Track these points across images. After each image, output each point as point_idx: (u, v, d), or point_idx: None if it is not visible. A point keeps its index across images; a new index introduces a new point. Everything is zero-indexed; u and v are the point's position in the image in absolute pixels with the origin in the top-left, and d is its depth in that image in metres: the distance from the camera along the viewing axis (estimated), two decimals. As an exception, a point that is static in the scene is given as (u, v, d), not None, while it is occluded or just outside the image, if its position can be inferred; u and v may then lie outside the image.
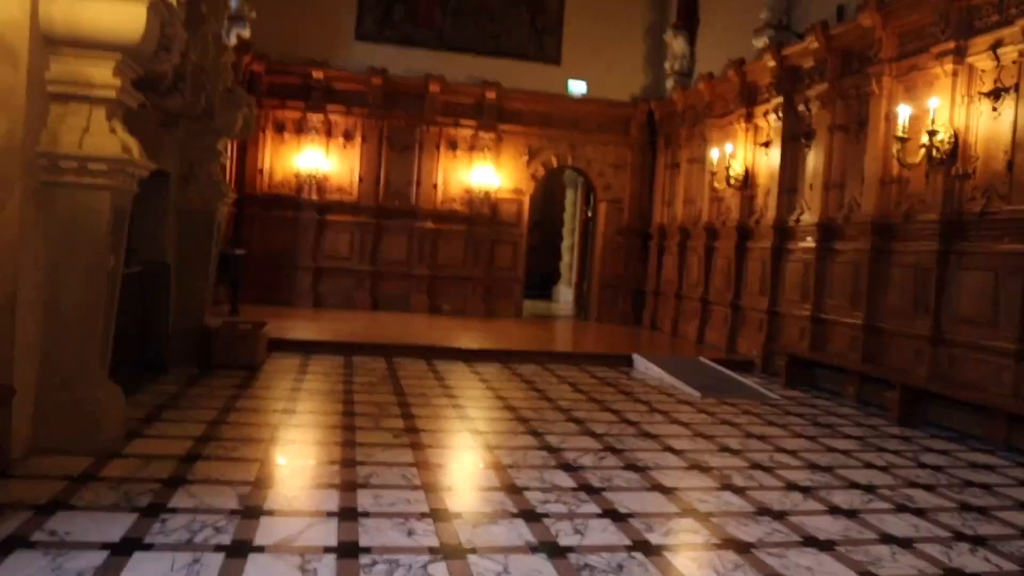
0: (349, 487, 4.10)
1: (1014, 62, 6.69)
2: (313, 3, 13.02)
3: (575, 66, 13.95)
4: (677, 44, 13.03)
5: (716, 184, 10.95)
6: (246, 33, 11.68)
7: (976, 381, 6.70)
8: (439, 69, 13.27)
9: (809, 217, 9.21)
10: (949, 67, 7.22)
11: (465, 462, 5.10)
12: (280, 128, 12.95)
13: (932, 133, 7.14)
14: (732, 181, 10.70)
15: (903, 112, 7.39)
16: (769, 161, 10.25)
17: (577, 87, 13.94)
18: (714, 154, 11.05)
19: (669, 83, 13.34)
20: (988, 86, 6.94)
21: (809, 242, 9.10)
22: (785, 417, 7.03)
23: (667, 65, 13.41)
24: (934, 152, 7.17)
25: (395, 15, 13.40)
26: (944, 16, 7.31)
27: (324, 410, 6.06)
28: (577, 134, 13.89)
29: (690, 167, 12.55)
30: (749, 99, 10.76)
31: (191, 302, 7.51)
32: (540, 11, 13.87)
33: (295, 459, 4.78)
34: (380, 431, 5.43)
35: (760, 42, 10.29)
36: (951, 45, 7.20)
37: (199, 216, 7.56)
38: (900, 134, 7.37)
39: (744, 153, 10.75)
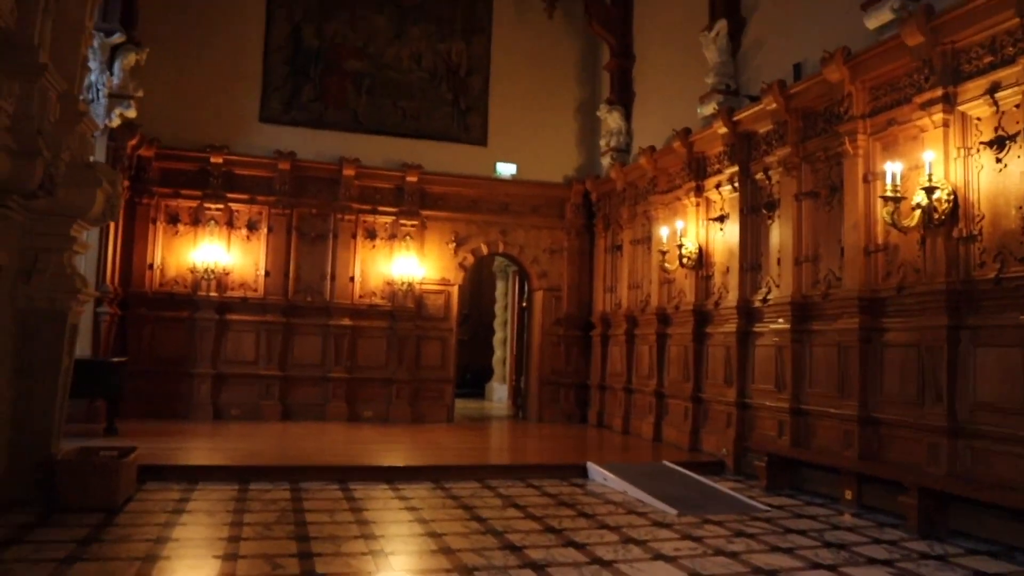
0: None
1: (1017, 106, 5.77)
2: (211, 82, 11.76)
3: (503, 147, 12.94)
4: (612, 119, 12.13)
5: (667, 265, 9.83)
6: (131, 113, 10.35)
7: (1012, 480, 5.51)
8: (354, 152, 12.08)
9: (779, 295, 8.10)
10: (938, 117, 6.29)
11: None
12: (174, 219, 11.46)
13: (929, 191, 6.12)
14: (685, 261, 9.61)
15: (891, 169, 6.38)
16: (726, 237, 9.21)
17: (506, 169, 12.89)
18: (663, 232, 9.97)
19: (605, 161, 12.38)
20: (988, 135, 6.00)
21: (781, 323, 7.96)
22: (787, 537, 5.69)
23: (602, 142, 12.48)
24: (933, 213, 6.15)
25: (304, 95, 12.21)
26: (927, 62, 6.42)
27: (192, 574, 4.47)
28: (508, 219, 12.76)
29: (634, 249, 11.47)
30: (698, 171, 9.78)
31: (31, 425, 5.88)
32: (463, 90, 12.88)
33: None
34: (267, 603, 3.87)
35: (707, 109, 9.38)
36: (938, 93, 6.29)
37: (45, 317, 6.00)
38: (890, 193, 6.34)
39: (696, 230, 9.71)
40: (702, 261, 9.62)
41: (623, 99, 12.24)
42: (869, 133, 7.07)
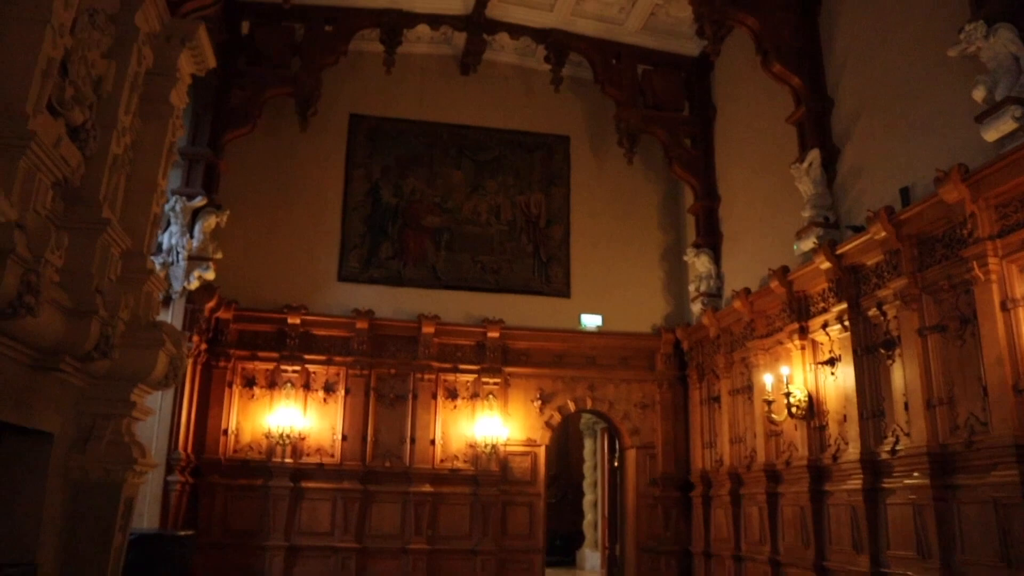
0: None
1: None
2: (289, 242, 11.73)
3: (587, 298, 12.43)
4: (700, 263, 11.55)
5: (774, 416, 8.92)
6: (210, 275, 10.28)
7: None
8: (433, 309, 11.72)
9: (910, 445, 7.09)
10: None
11: None
12: (250, 382, 11.14)
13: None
14: (794, 410, 8.69)
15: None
16: (838, 381, 8.32)
17: (591, 321, 12.32)
18: (766, 380, 9.11)
19: (696, 307, 11.70)
20: None
21: (917, 478, 6.91)
22: None
23: (691, 287, 11.85)
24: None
25: (382, 252, 12.06)
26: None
27: None
28: (595, 373, 12.06)
29: (734, 399, 10.58)
30: (800, 311, 9.02)
31: (75, 617, 5.26)
32: (543, 241, 12.57)
33: None
34: None
35: (806, 244, 8.72)
36: (1081, 204, 5.54)
37: (97, 489, 5.48)
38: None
39: (804, 375, 8.84)
40: (813, 410, 8.69)
41: (710, 241, 11.70)
42: (1001, 255, 6.27)
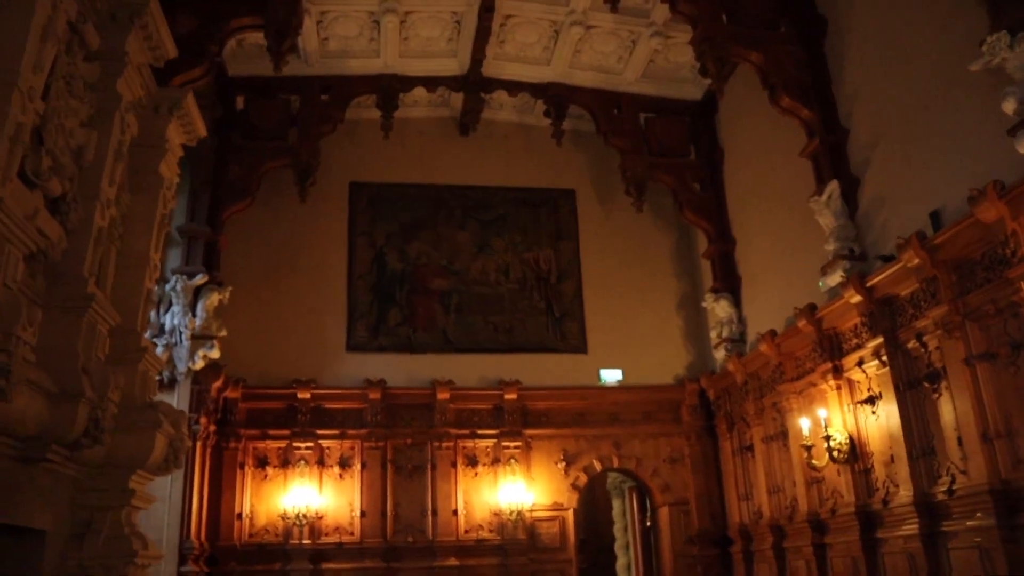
0: None
1: None
2: (295, 315, 11.39)
3: (604, 352, 12.01)
4: (720, 308, 11.15)
5: (815, 462, 8.41)
6: (215, 354, 9.94)
7: None
8: (447, 374, 11.30)
9: (968, 484, 6.58)
10: None
11: None
12: (262, 462, 10.69)
13: None
14: (836, 455, 8.19)
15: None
16: (880, 420, 7.83)
17: (611, 376, 11.88)
18: (802, 424, 8.61)
19: (719, 354, 11.25)
20: None
21: (980, 519, 6.39)
22: None
23: (712, 334, 11.41)
24: None
25: (390, 319, 11.71)
26: (1108, 179, 5.35)
27: None
28: (619, 429, 11.57)
29: (768, 447, 10.06)
30: (832, 350, 8.59)
31: None
32: (555, 297, 12.20)
33: None
34: None
35: (833, 279, 8.33)
36: None
37: (96, 588, 5.06)
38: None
39: (843, 416, 8.36)
40: (856, 452, 8.18)
41: (728, 285, 11.31)
42: (1050, 275, 5.89)
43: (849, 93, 8.78)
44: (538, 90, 12.04)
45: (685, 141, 12.15)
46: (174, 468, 5.81)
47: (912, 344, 7.40)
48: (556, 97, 11.98)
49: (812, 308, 8.76)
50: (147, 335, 9.94)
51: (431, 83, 11.84)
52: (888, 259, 7.57)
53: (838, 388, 8.48)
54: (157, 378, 9.80)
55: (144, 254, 6.07)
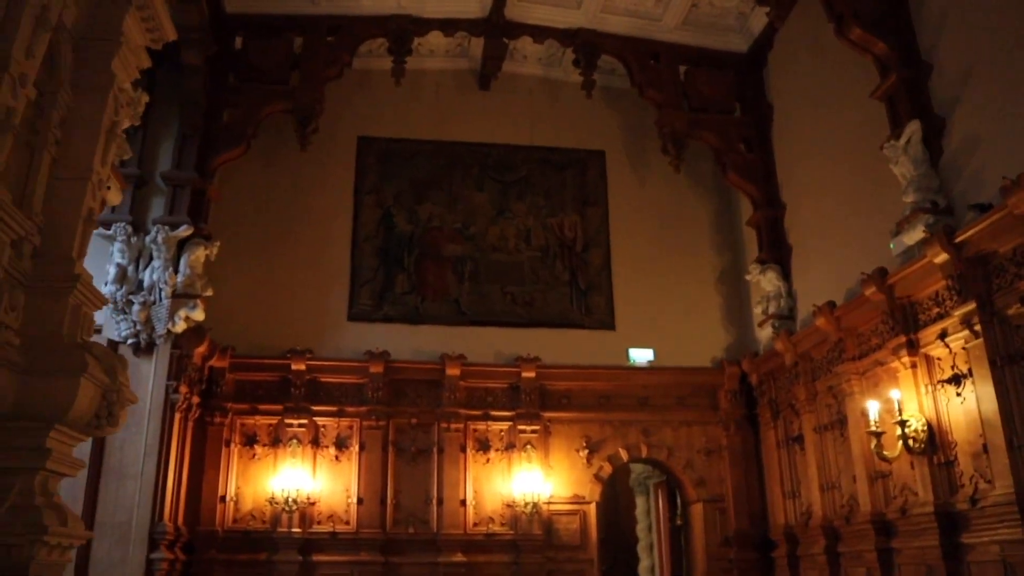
0: None
1: None
2: (292, 279, 10.30)
3: (634, 330, 10.81)
4: (767, 281, 9.92)
5: (886, 452, 7.17)
6: (198, 315, 8.87)
7: None
8: (458, 348, 10.14)
9: (1090, 479, 5.36)
10: None
11: None
12: (251, 440, 9.60)
13: None
14: (912, 444, 6.95)
15: None
16: (968, 404, 6.59)
17: (641, 356, 10.68)
18: (870, 409, 7.37)
19: (764, 333, 10.02)
20: None
21: (1107, 523, 5.17)
22: None
23: (757, 310, 10.18)
24: None
25: (397, 287, 10.56)
26: None
27: None
28: (649, 415, 10.37)
29: (821, 438, 8.82)
30: (907, 321, 7.34)
31: None
32: (581, 268, 11.02)
33: None
34: None
35: (912, 236, 7.10)
36: None
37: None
38: None
39: (919, 400, 7.12)
40: (934, 442, 6.95)
41: (776, 256, 10.07)
42: None
43: (934, 23, 7.52)
44: (566, 36, 10.83)
45: (729, 97, 10.88)
46: (109, 427, 4.64)
47: (1013, 310, 6.15)
48: (586, 45, 10.76)
49: (882, 273, 7.53)
50: (122, 291, 9.02)
51: (449, 26, 10.68)
52: (985, 208, 6.33)
53: (913, 366, 7.23)
54: (132, 341, 8.98)
55: (86, 165, 4.93)
